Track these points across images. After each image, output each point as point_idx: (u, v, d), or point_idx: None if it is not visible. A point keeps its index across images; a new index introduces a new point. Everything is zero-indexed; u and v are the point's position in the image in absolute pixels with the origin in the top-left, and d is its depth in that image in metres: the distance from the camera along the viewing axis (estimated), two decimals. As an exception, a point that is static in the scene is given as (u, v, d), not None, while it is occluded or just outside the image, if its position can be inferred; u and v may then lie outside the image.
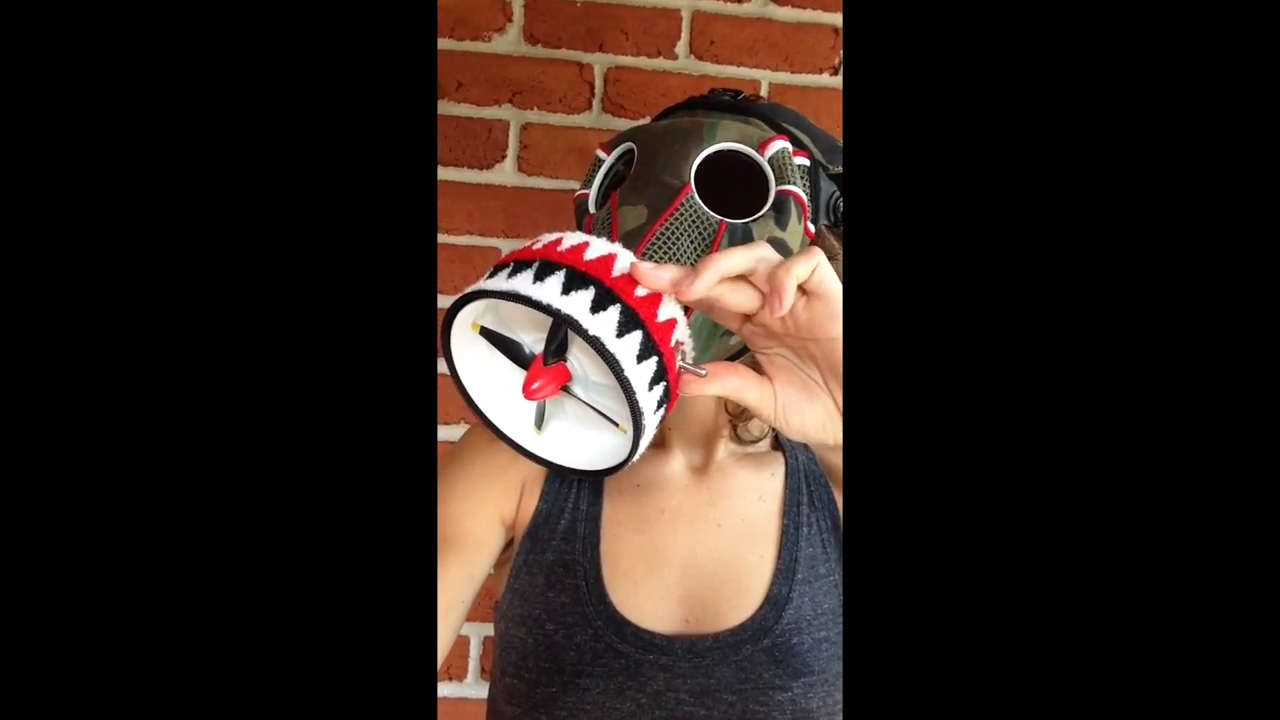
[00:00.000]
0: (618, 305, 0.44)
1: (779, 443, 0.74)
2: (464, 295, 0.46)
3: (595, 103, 0.99)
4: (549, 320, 0.46)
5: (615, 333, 0.44)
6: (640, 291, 0.46)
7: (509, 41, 0.98)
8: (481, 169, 0.99)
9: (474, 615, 1.04)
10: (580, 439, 0.53)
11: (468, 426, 0.73)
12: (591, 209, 0.63)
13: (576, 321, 0.43)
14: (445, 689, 1.02)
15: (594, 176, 0.64)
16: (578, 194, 0.64)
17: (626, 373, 0.43)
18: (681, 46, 1.00)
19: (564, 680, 0.60)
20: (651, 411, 0.45)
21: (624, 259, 0.46)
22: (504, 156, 0.99)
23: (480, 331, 0.49)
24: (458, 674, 1.03)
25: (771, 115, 0.65)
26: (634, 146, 0.62)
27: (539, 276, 0.44)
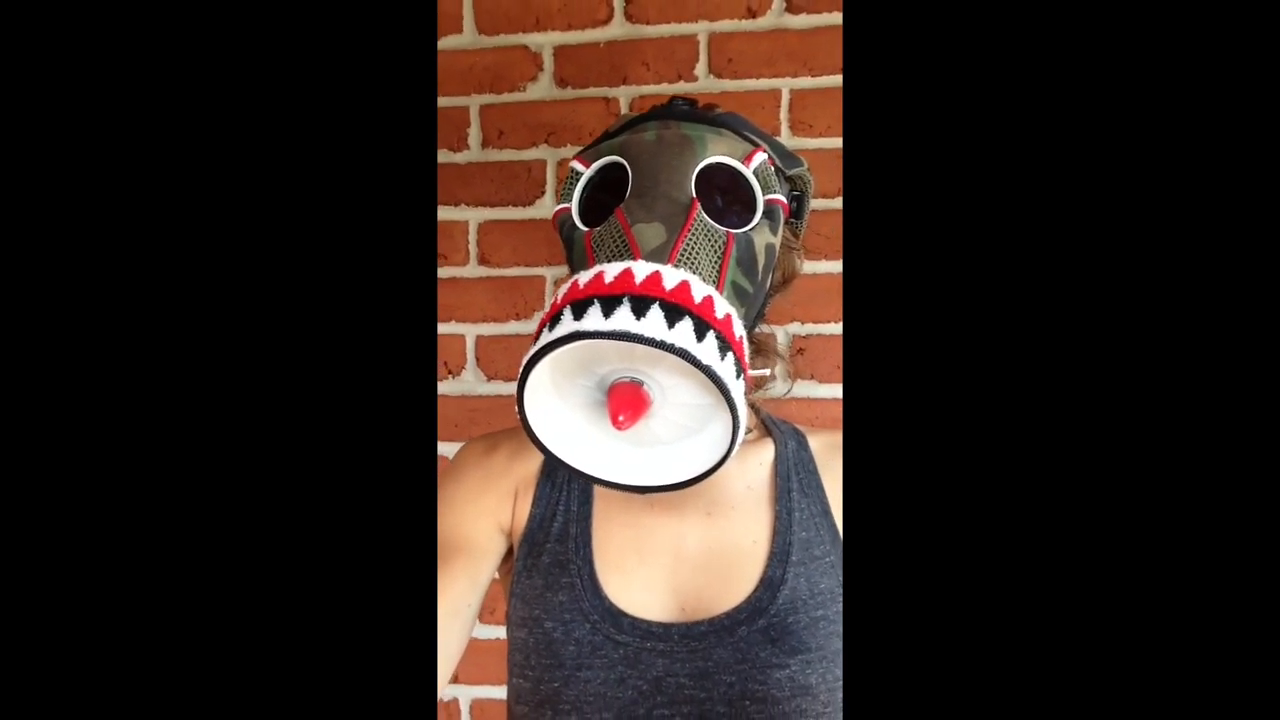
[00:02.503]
0: (711, 330, 0.51)
1: (768, 430, 0.74)
2: (553, 341, 0.50)
3: (622, 132, 1.05)
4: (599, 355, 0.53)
5: (719, 356, 0.51)
6: (700, 302, 0.52)
7: (542, 88, 1.07)
8: (524, 205, 1.08)
9: (465, 678, 1.11)
10: (671, 454, 0.58)
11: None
12: (579, 224, 0.63)
13: (692, 355, 0.49)
14: None
15: (572, 191, 0.65)
16: (559, 209, 0.65)
17: (732, 394, 0.50)
18: (700, 68, 1.04)
19: (565, 674, 0.62)
20: (740, 399, 0.52)
21: (699, 284, 0.53)
22: (543, 192, 1.07)
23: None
24: None
25: (735, 125, 0.66)
26: (623, 161, 0.62)
27: (638, 312, 0.50)
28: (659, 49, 1.05)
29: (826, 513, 0.68)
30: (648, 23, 1.04)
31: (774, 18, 1.02)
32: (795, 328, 1.04)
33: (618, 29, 1.05)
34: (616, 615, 0.63)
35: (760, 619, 0.62)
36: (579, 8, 1.05)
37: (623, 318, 0.49)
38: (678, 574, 0.65)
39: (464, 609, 0.66)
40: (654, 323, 0.49)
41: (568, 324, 0.50)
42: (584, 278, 0.53)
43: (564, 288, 0.55)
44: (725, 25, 1.03)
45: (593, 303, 0.50)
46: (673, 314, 0.50)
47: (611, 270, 0.52)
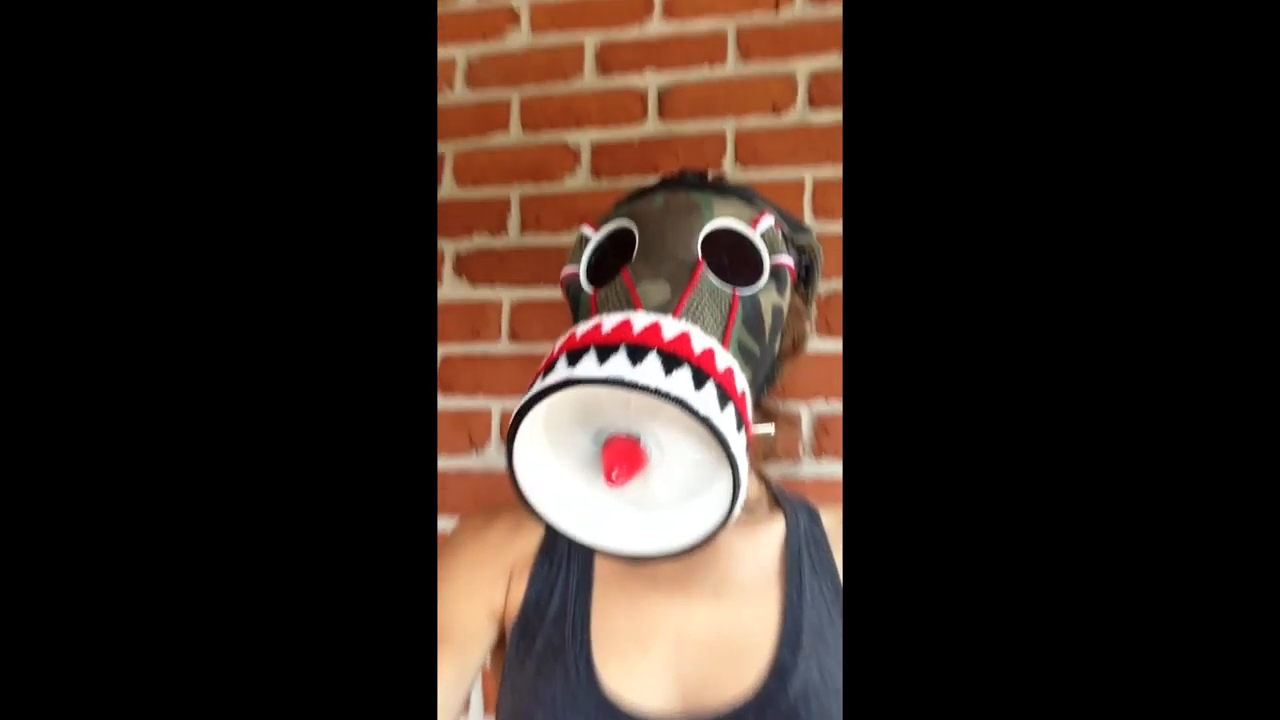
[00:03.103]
0: (710, 380, 0.49)
1: (778, 502, 0.71)
2: (546, 388, 0.49)
3: (652, 217, 1.10)
4: (597, 412, 0.51)
5: (718, 407, 0.48)
6: (700, 353, 0.50)
7: (579, 181, 1.14)
8: (556, 285, 1.12)
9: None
10: (671, 518, 0.55)
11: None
12: (585, 286, 0.64)
13: (688, 403, 0.47)
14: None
15: (581, 254, 0.66)
16: (567, 273, 0.66)
17: (732, 447, 0.48)
18: (727, 160, 1.09)
19: None
20: (741, 453, 0.50)
21: (700, 336, 0.52)
22: (575, 273, 1.12)
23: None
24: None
25: (742, 193, 0.68)
26: (630, 225, 0.64)
27: (634, 359, 0.48)
28: (689, 145, 1.11)
29: (838, 592, 0.64)
30: (679, 119, 1.12)
31: (798, 114, 1.08)
32: (820, 405, 1.02)
33: (651, 127, 1.13)
34: (613, 709, 0.59)
35: (769, 710, 0.57)
36: (616, 108, 1.14)
37: (618, 364, 0.48)
38: (682, 661, 0.61)
39: (451, 700, 0.63)
40: (650, 370, 0.48)
41: (561, 371, 0.49)
42: (581, 329, 0.53)
43: (561, 339, 0.54)
44: (752, 121, 1.09)
45: (588, 350, 0.49)
46: (670, 362, 0.49)
47: (610, 321, 0.52)
